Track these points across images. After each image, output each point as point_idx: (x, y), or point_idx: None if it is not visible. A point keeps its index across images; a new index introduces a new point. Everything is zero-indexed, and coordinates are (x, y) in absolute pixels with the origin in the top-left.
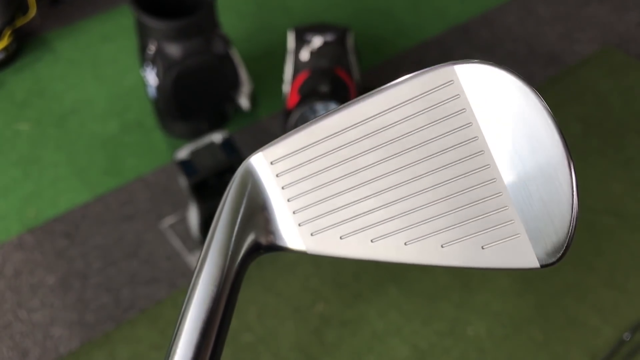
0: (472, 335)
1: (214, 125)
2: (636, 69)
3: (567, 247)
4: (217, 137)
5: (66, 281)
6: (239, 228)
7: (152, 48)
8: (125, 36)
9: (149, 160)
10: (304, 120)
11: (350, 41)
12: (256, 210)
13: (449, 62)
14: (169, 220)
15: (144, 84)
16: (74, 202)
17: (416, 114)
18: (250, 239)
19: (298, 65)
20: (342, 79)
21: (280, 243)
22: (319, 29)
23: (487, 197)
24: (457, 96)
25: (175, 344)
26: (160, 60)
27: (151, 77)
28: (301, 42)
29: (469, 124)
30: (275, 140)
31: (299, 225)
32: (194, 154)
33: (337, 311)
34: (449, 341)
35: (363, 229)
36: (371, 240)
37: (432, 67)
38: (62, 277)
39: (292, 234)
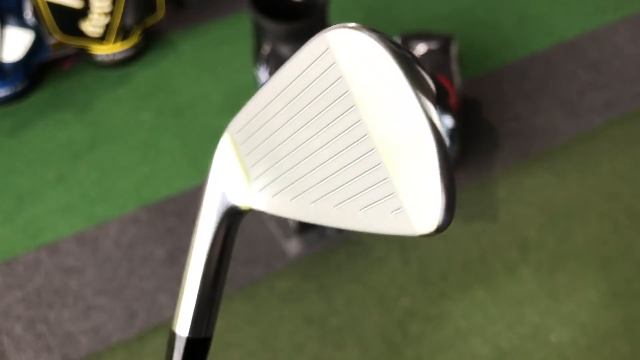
0: (556, 342)
1: None
2: None
3: (441, 223)
4: None
5: (174, 255)
6: (217, 196)
7: (266, 49)
8: (240, 40)
9: None
10: None
11: (453, 50)
12: (228, 177)
13: (325, 30)
14: None
15: (255, 83)
16: (185, 185)
17: (309, 85)
18: (225, 205)
19: None
20: (443, 85)
21: (243, 205)
22: (424, 36)
23: (369, 167)
24: (333, 64)
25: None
26: (273, 60)
27: (264, 76)
28: (407, 48)
29: (346, 92)
30: (239, 112)
31: (259, 191)
32: None
33: (422, 306)
34: (531, 345)
35: (296, 194)
36: (311, 203)
37: (314, 36)
38: (171, 251)
39: (252, 198)
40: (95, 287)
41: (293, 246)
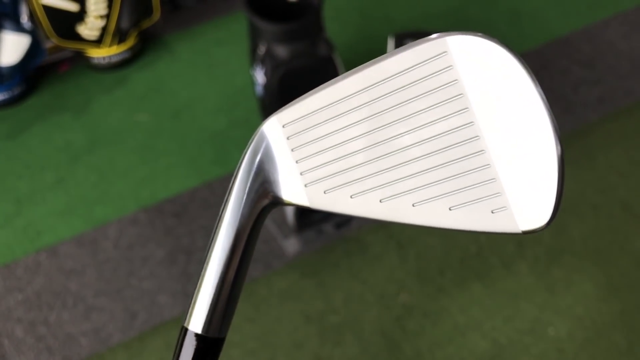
0: (553, 336)
1: None
2: None
3: (550, 221)
4: None
5: (173, 255)
6: (251, 188)
7: (262, 49)
8: (236, 41)
9: None
10: None
11: None
12: (267, 171)
13: (442, 34)
14: None
15: (251, 84)
16: (183, 186)
17: (411, 83)
18: (260, 197)
19: None
20: None
21: (287, 199)
22: (418, 35)
23: (475, 167)
24: (449, 67)
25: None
26: (269, 61)
27: (260, 76)
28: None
29: (460, 95)
30: (289, 104)
31: (305, 185)
32: None
33: (420, 302)
34: (529, 339)
35: (360, 190)
36: (380, 200)
37: (426, 38)
38: (170, 252)
39: (298, 192)
40: (95, 288)
41: (291, 245)
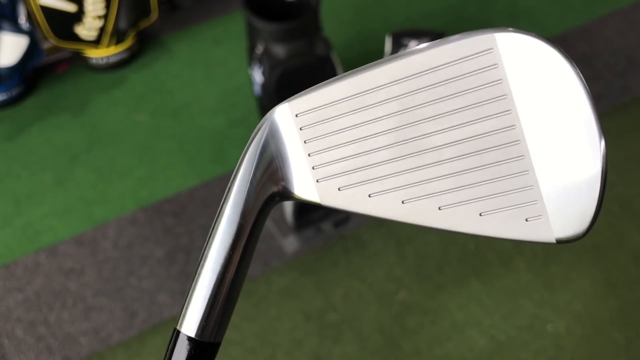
0: (552, 332)
1: None
2: None
3: (587, 229)
4: None
5: (172, 255)
6: (256, 180)
7: (260, 48)
8: (234, 40)
9: None
10: None
11: None
12: (275, 161)
13: (489, 29)
14: None
15: (249, 84)
16: (182, 186)
17: (451, 79)
18: (265, 190)
19: None
20: None
21: (296, 194)
22: (415, 33)
23: (512, 172)
24: (495, 65)
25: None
26: (266, 60)
27: (257, 75)
28: (398, 45)
29: (503, 96)
30: (304, 92)
31: (317, 181)
32: None
33: (419, 300)
34: (527, 336)
35: (381, 189)
36: (402, 202)
37: (472, 32)
38: (169, 251)
39: (308, 187)
40: (94, 288)
41: (290, 243)
